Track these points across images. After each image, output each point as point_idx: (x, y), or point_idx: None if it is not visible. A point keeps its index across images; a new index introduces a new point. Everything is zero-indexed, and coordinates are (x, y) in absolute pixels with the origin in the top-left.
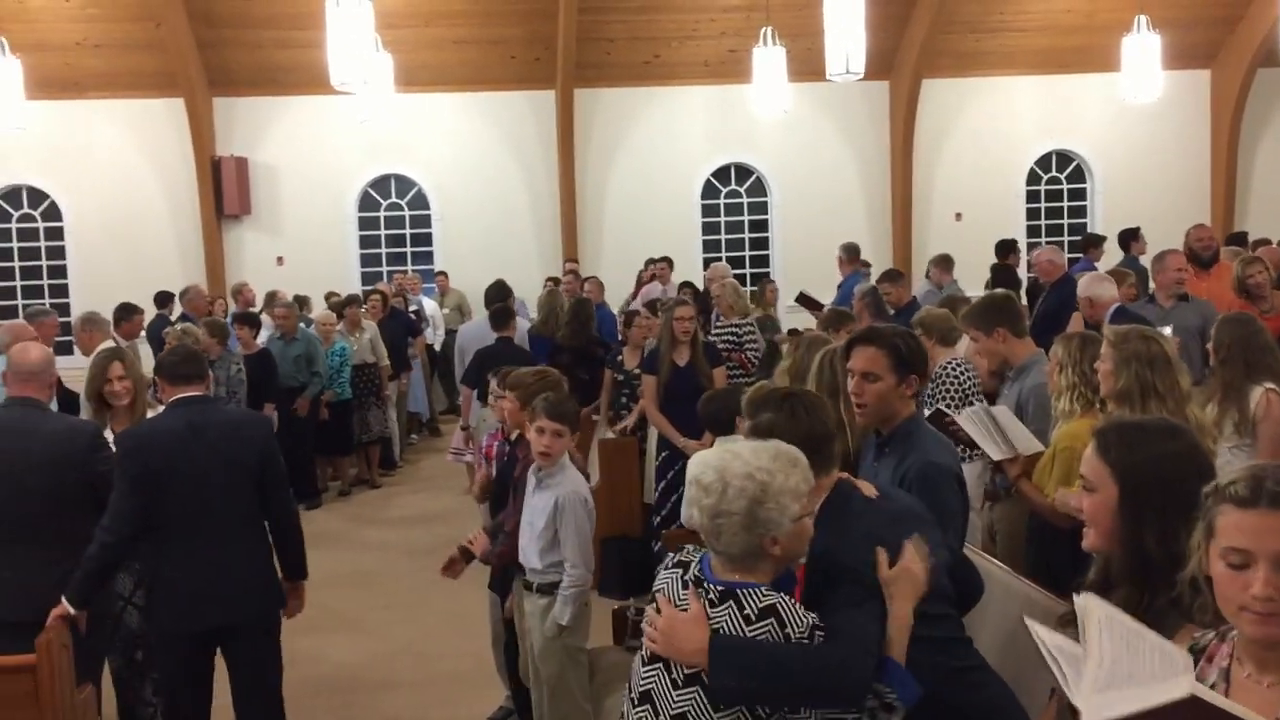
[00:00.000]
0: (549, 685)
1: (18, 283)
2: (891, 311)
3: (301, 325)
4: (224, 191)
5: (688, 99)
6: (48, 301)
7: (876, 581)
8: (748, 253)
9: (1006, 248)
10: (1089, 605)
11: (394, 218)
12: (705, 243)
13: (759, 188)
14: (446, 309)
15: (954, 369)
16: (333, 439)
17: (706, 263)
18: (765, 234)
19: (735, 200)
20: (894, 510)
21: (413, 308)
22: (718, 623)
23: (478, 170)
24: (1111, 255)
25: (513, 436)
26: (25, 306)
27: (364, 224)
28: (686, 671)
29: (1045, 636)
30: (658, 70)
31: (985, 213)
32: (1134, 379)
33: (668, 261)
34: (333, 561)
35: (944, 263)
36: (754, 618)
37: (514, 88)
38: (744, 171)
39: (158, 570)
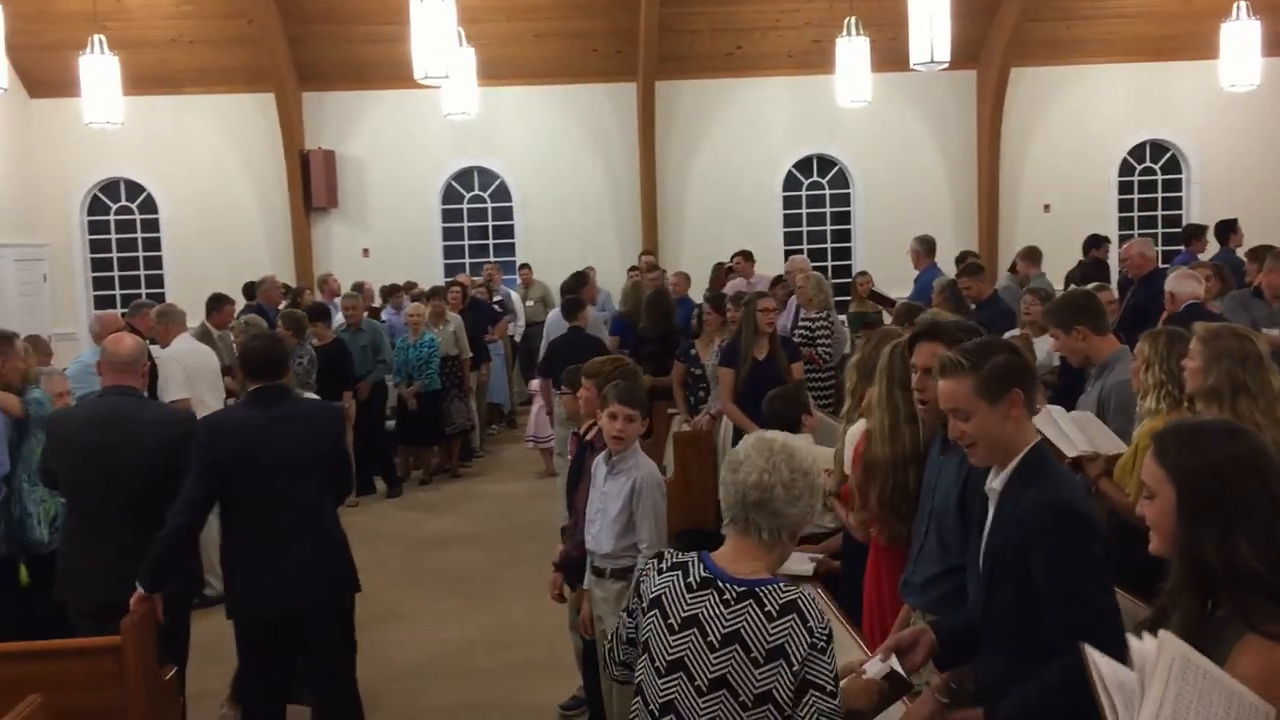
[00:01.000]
0: None
1: (115, 273)
2: (972, 306)
3: (367, 315)
4: (312, 184)
5: (770, 90)
6: (144, 291)
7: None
8: (829, 245)
9: (1092, 244)
10: (1165, 644)
11: (477, 210)
12: (786, 235)
13: (841, 179)
14: (530, 301)
15: None
16: (420, 430)
17: (787, 255)
18: (847, 226)
19: (817, 192)
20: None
21: (497, 298)
22: (735, 624)
23: (559, 163)
24: (1210, 248)
25: (583, 429)
26: (123, 296)
27: (447, 216)
28: (724, 632)
29: (1103, 667)
30: (740, 62)
31: (1075, 204)
32: (1225, 377)
33: (745, 255)
34: (410, 550)
35: (1031, 255)
36: (775, 614)
37: (595, 80)
38: (826, 163)
39: (233, 557)
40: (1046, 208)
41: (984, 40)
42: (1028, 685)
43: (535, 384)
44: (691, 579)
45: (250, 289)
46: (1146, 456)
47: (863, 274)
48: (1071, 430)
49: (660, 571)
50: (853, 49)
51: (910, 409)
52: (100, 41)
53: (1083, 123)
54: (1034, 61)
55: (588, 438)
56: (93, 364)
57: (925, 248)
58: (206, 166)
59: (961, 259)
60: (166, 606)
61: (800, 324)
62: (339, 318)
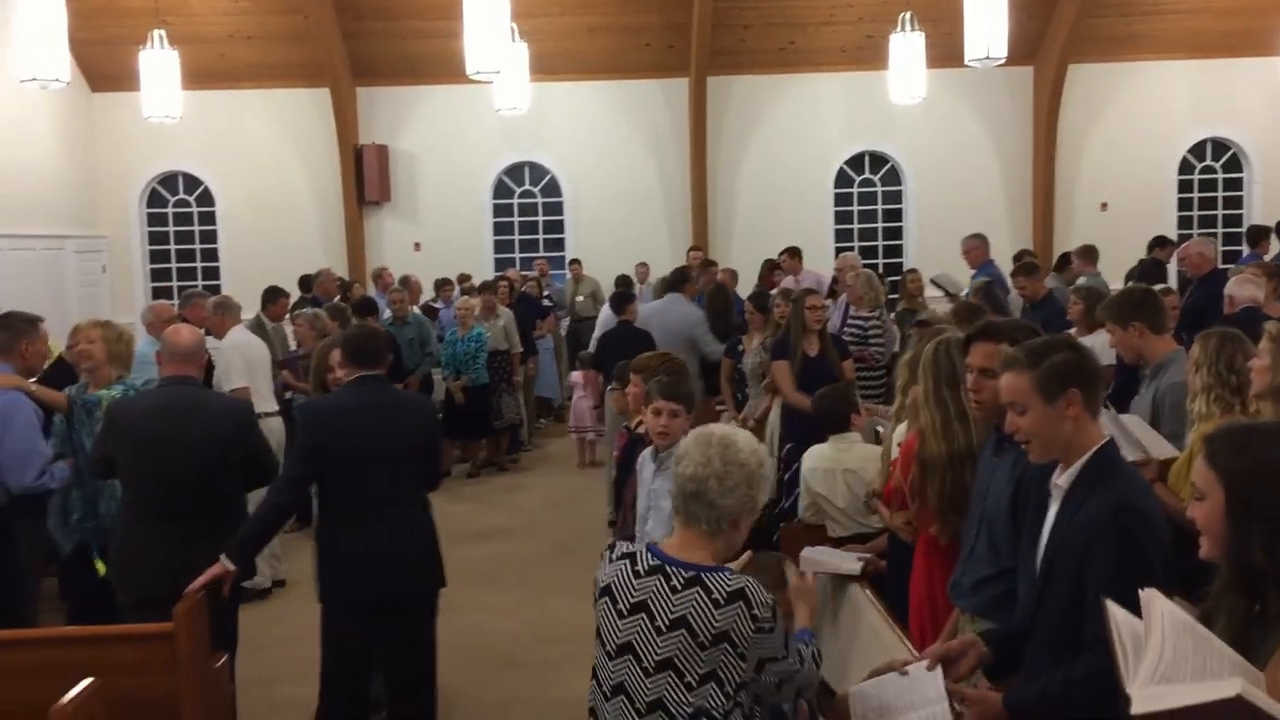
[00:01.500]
0: None
1: (173, 265)
2: (1027, 306)
3: (414, 309)
4: (365, 178)
5: (822, 86)
6: (200, 283)
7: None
8: (881, 242)
9: (1156, 245)
10: (1151, 599)
11: (527, 205)
12: (837, 232)
13: (894, 176)
14: (580, 296)
15: None
16: (468, 423)
17: (838, 252)
18: (899, 223)
19: (869, 189)
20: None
21: (546, 293)
22: (683, 609)
23: (610, 158)
24: (1273, 249)
25: (633, 424)
26: (179, 287)
27: (498, 211)
28: (672, 616)
29: (1121, 621)
30: (793, 57)
31: (1133, 203)
32: None
33: (791, 252)
34: (456, 544)
35: (1087, 254)
36: (722, 601)
37: (647, 75)
38: (879, 160)
39: (327, 540)
40: (1104, 206)
41: (1041, 36)
42: (1051, 675)
43: (576, 376)
44: (640, 566)
45: (306, 282)
46: (1197, 459)
47: (912, 271)
48: (1121, 435)
49: (610, 560)
50: (907, 45)
51: (960, 406)
52: (160, 36)
53: (1141, 120)
54: (1092, 58)
55: (638, 432)
56: (150, 354)
57: (982, 244)
58: (262, 160)
59: (1018, 258)
60: (218, 594)
61: (851, 322)
62: (388, 312)
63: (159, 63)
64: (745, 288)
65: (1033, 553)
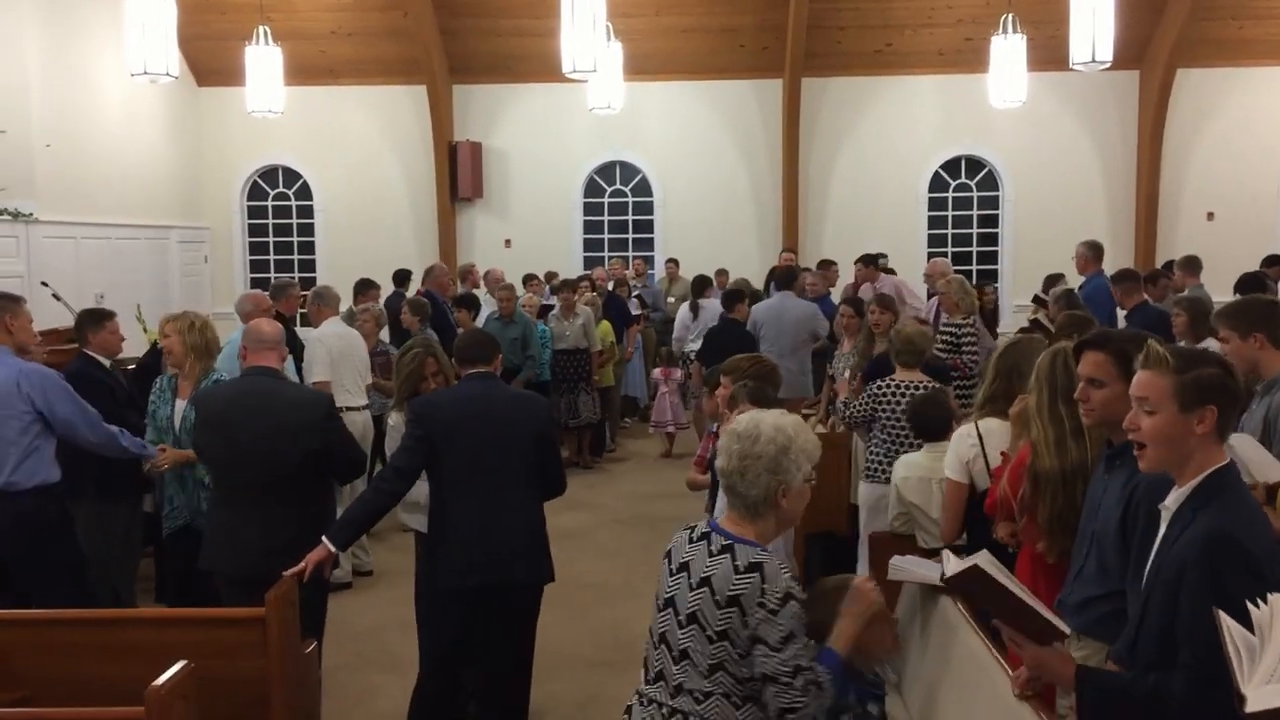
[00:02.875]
0: None
1: (271, 256)
2: (1122, 312)
3: (520, 308)
4: (459, 175)
5: (918, 88)
6: (296, 275)
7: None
8: (975, 249)
9: (1271, 262)
10: (1275, 604)
11: (618, 203)
12: (930, 237)
13: (990, 181)
14: (673, 297)
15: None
16: None
17: (930, 258)
18: (994, 230)
19: (964, 194)
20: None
21: (636, 293)
22: (711, 571)
23: (701, 158)
24: None
25: (719, 427)
26: (277, 278)
27: (588, 209)
28: (700, 576)
29: (1234, 629)
30: (889, 59)
31: (1242, 213)
32: None
33: (864, 260)
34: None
35: (1190, 264)
36: (742, 569)
37: (741, 76)
38: (975, 164)
39: (438, 529)
40: (1210, 216)
41: (1148, 40)
42: (1142, 677)
43: (657, 373)
44: (695, 533)
45: (402, 276)
46: None
47: (990, 286)
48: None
49: (681, 531)
50: (1008, 47)
51: (1075, 422)
52: (265, 33)
53: (1251, 127)
54: (1201, 62)
55: None
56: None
57: (1093, 253)
58: (359, 155)
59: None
60: (307, 581)
61: (944, 329)
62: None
63: (263, 58)
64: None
65: (1139, 574)
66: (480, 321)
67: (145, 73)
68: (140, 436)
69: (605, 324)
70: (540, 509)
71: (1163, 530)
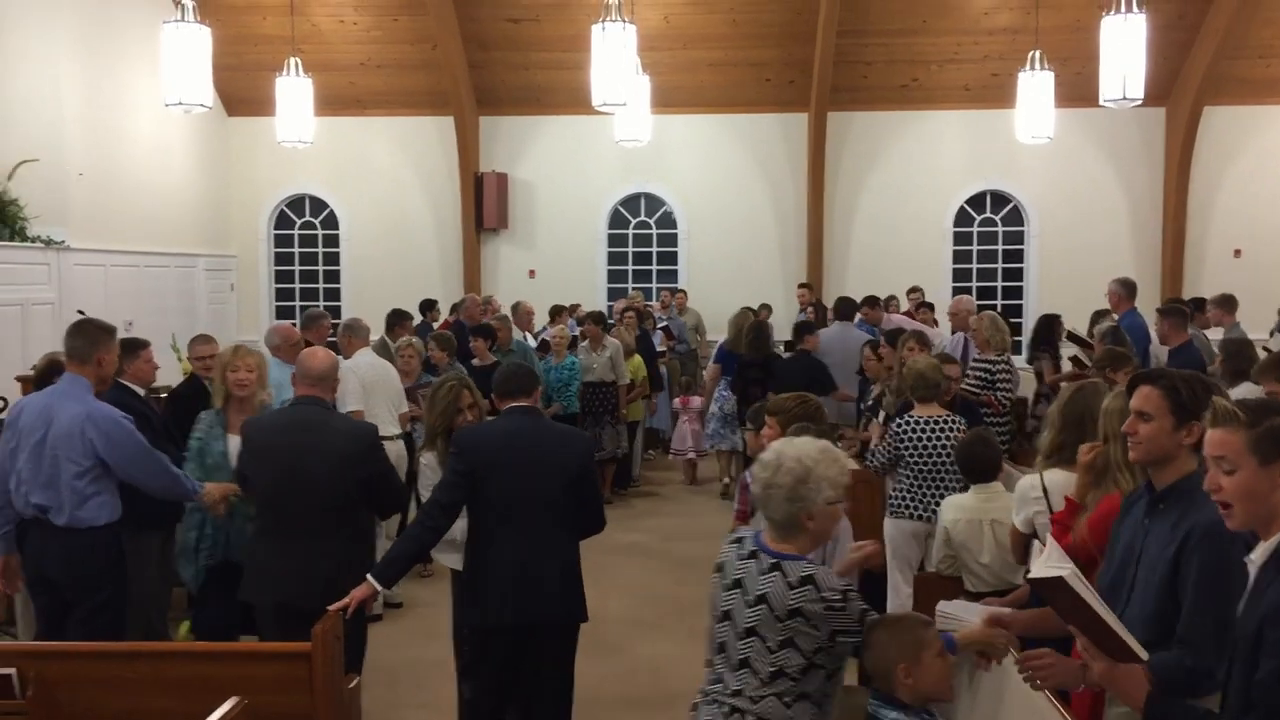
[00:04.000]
0: None
1: (297, 285)
2: (1165, 348)
3: (519, 338)
4: (484, 205)
5: (944, 123)
6: (321, 303)
7: None
8: (1000, 284)
9: None
10: None
11: (642, 235)
12: (955, 272)
13: (1016, 216)
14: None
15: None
16: None
17: (955, 292)
18: (1020, 265)
19: (990, 229)
20: None
21: (663, 324)
22: (765, 588)
23: (726, 191)
24: None
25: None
26: (302, 307)
27: (612, 240)
28: (756, 594)
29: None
30: (915, 94)
31: (1270, 250)
32: None
33: (868, 302)
34: None
35: (1226, 303)
36: (795, 584)
37: (767, 110)
38: (1000, 199)
39: (474, 565)
40: (1237, 253)
41: (1175, 77)
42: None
43: (677, 402)
44: (744, 550)
45: (427, 305)
46: None
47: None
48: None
49: (727, 543)
50: (1036, 83)
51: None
52: (296, 64)
53: (1278, 164)
54: (1228, 100)
55: None
56: (279, 377)
57: (1126, 291)
58: (386, 185)
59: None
60: (350, 616)
61: (975, 366)
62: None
63: (294, 89)
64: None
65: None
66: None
67: (180, 103)
68: (178, 467)
69: (637, 358)
70: (575, 547)
71: (1249, 586)
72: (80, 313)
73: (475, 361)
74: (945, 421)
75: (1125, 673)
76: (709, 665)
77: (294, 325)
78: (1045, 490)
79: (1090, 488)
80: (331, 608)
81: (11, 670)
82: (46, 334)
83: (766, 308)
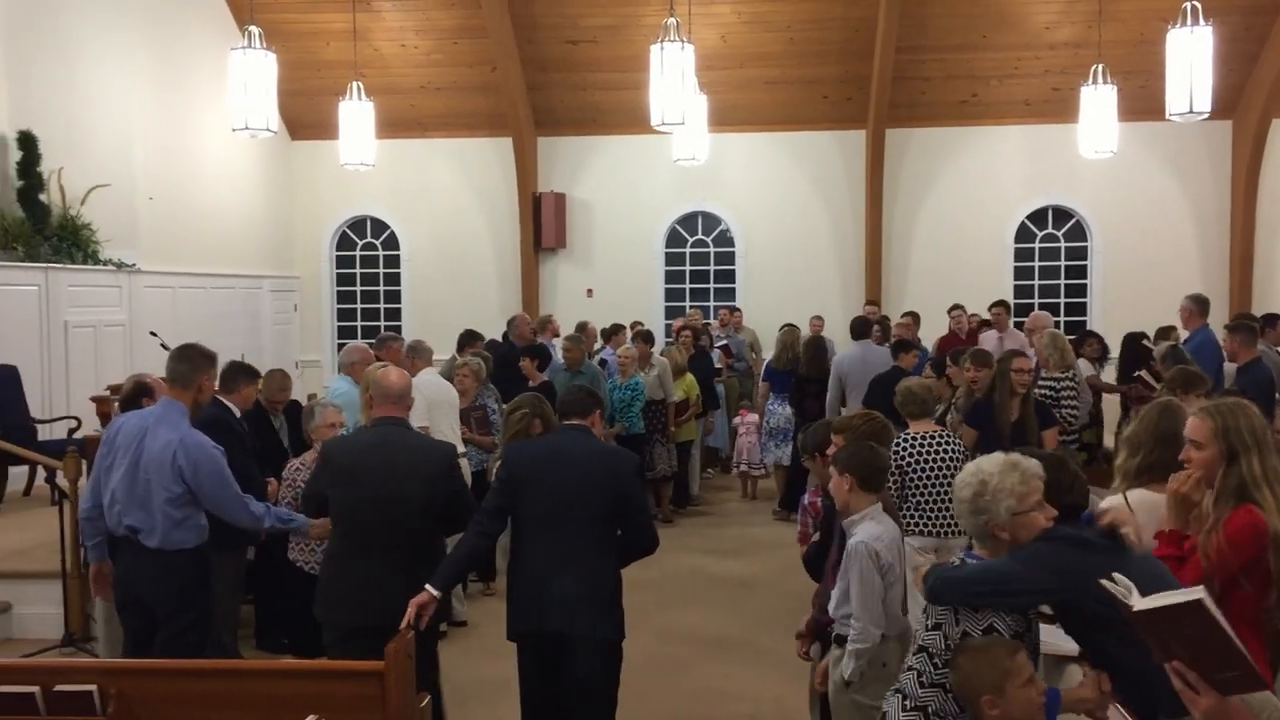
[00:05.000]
0: None
1: (358, 305)
2: (1233, 366)
3: (588, 359)
4: (543, 225)
5: (1004, 139)
6: (383, 323)
7: None
8: (1062, 300)
9: None
10: None
11: (699, 254)
12: (1017, 288)
13: (1078, 232)
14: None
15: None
16: None
17: (1017, 309)
18: (1083, 281)
19: (1052, 245)
20: None
21: (721, 343)
22: None
23: (784, 209)
24: None
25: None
26: (364, 327)
27: (670, 259)
28: (933, 620)
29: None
30: (974, 110)
31: None
32: None
33: (1004, 306)
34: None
35: None
36: None
37: (824, 128)
38: (1062, 215)
39: (512, 573)
40: None
41: (1242, 89)
42: None
43: (737, 418)
44: (953, 559)
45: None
46: None
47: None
48: None
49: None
50: (1099, 97)
51: None
52: (358, 88)
53: None
54: None
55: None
56: (347, 393)
57: (1199, 307)
58: (445, 206)
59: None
60: (421, 634)
61: (1042, 384)
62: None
63: (356, 113)
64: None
65: None
66: (549, 372)
67: (246, 128)
68: (257, 488)
69: (689, 377)
70: (611, 565)
71: None
72: (153, 334)
73: (531, 383)
74: (939, 438)
75: (1234, 708)
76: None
77: (368, 345)
78: (1131, 511)
79: (1182, 516)
80: (403, 625)
81: (93, 687)
82: (118, 355)
83: (819, 319)
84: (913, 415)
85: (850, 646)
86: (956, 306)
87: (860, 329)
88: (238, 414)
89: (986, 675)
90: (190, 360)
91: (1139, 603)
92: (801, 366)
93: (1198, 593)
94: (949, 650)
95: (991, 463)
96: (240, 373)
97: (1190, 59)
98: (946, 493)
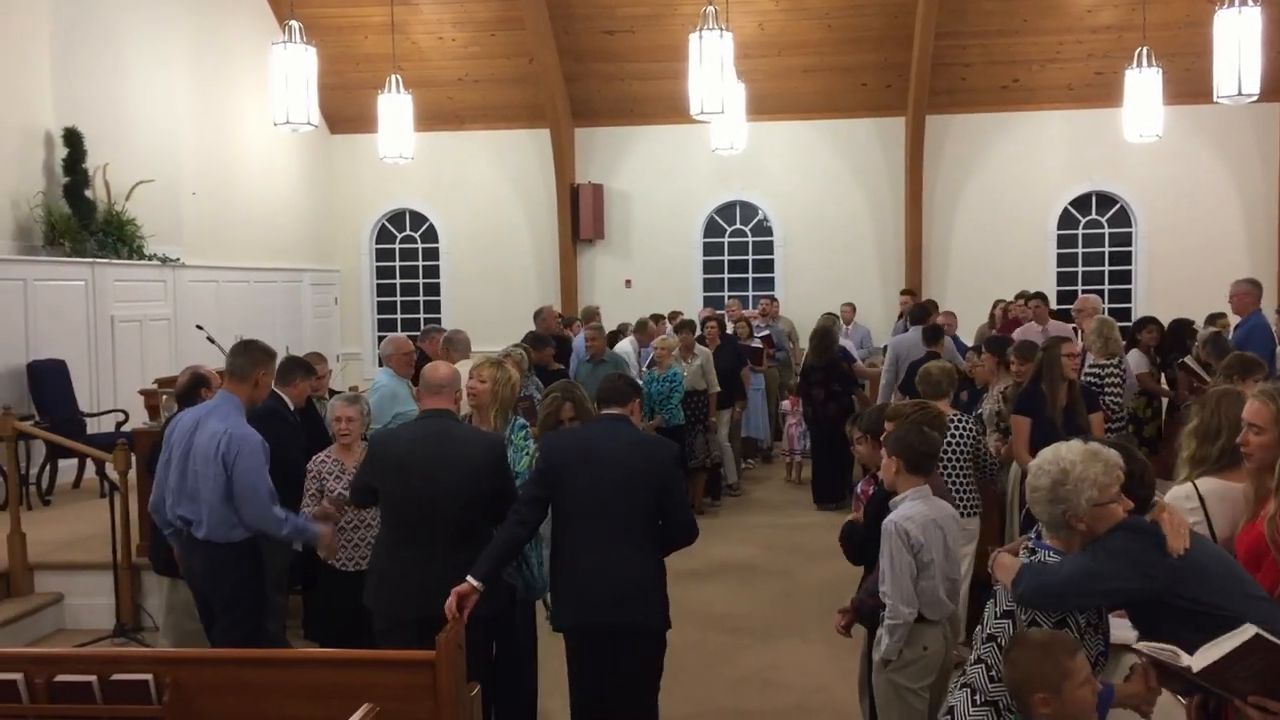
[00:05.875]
0: (879, 717)
1: (398, 298)
2: None
3: (610, 349)
4: (580, 216)
5: (1046, 124)
6: (422, 316)
7: None
8: (1106, 287)
9: None
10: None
11: (737, 243)
12: (1060, 275)
13: (1122, 217)
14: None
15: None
16: None
17: (1060, 296)
18: (1127, 267)
19: (1095, 231)
20: None
21: (764, 333)
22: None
23: (822, 197)
24: None
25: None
26: (403, 320)
27: (708, 249)
28: (1002, 608)
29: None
30: (1015, 95)
31: None
32: None
33: (1042, 298)
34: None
35: None
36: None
37: (863, 115)
38: (1106, 200)
39: (554, 566)
40: None
41: None
42: None
43: (785, 404)
44: (1025, 545)
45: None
46: None
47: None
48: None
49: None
50: (1143, 81)
51: None
52: (397, 81)
53: None
54: None
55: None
56: (390, 385)
57: (1255, 290)
58: (483, 198)
59: None
60: (473, 624)
61: (1089, 370)
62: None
63: (395, 106)
64: (965, 333)
65: None
66: (571, 365)
67: (288, 122)
68: (298, 483)
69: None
70: (653, 556)
71: None
72: (199, 327)
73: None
74: (952, 420)
75: None
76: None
77: (407, 337)
78: (1202, 499)
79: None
80: (447, 608)
81: (148, 676)
82: (164, 348)
83: (850, 306)
84: (929, 397)
85: (885, 624)
86: (1020, 295)
87: (920, 315)
88: (292, 407)
89: (1045, 673)
90: (249, 354)
91: (1197, 661)
92: (808, 355)
93: (1249, 630)
94: None
95: (1073, 451)
96: (296, 367)
97: (1238, 40)
98: (956, 472)
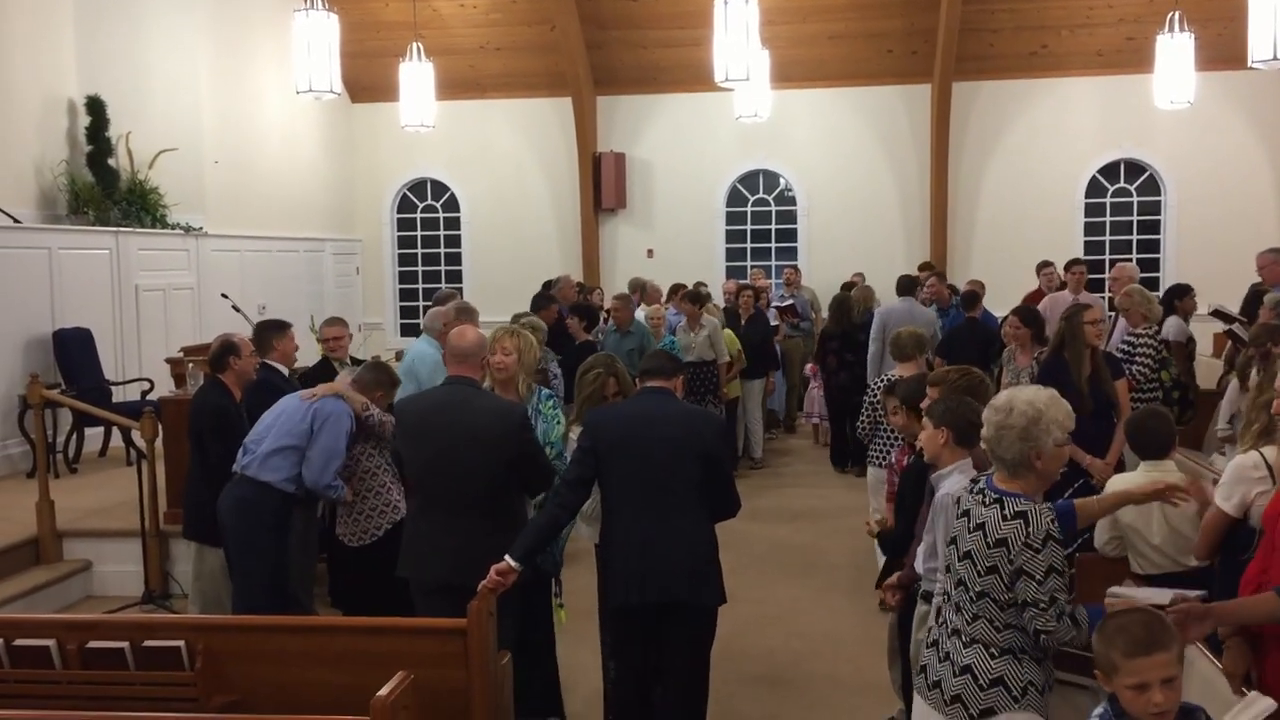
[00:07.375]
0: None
1: (419, 268)
2: None
3: (638, 319)
4: (602, 185)
5: (1075, 91)
6: (443, 285)
7: None
8: (1135, 256)
9: None
10: None
11: (760, 212)
12: (1088, 245)
13: (1152, 186)
14: None
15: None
16: None
17: (1088, 266)
18: (1156, 236)
19: (1124, 199)
20: None
21: (788, 302)
22: (986, 518)
23: (847, 166)
24: None
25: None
26: (425, 289)
27: (731, 219)
28: (977, 522)
29: None
30: (1044, 61)
31: None
32: None
33: (1081, 265)
34: None
35: None
36: (1009, 517)
37: (888, 82)
38: (1135, 168)
39: (605, 544)
40: None
41: None
42: None
43: (808, 368)
44: (976, 488)
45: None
46: None
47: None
48: None
49: (971, 493)
50: (1175, 46)
51: None
52: (418, 49)
53: None
54: None
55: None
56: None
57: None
58: (505, 167)
59: None
60: (503, 594)
61: (1125, 339)
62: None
63: (416, 74)
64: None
65: None
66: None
67: (310, 90)
68: None
69: (730, 333)
70: (709, 529)
71: None
72: (224, 295)
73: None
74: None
75: None
76: (946, 600)
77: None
78: (1270, 468)
79: None
80: (481, 586)
81: (180, 642)
82: (187, 317)
83: (860, 275)
84: (901, 359)
85: (935, 601)
86: (1047, 264)
87: (907, 286)
88: (285, 372)
89: (1101, 658)
90: (376, 373)
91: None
92: (827, 324)
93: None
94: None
95: (1038, 394)
96: (270, 330)
97: (1274, 3)
98: None
